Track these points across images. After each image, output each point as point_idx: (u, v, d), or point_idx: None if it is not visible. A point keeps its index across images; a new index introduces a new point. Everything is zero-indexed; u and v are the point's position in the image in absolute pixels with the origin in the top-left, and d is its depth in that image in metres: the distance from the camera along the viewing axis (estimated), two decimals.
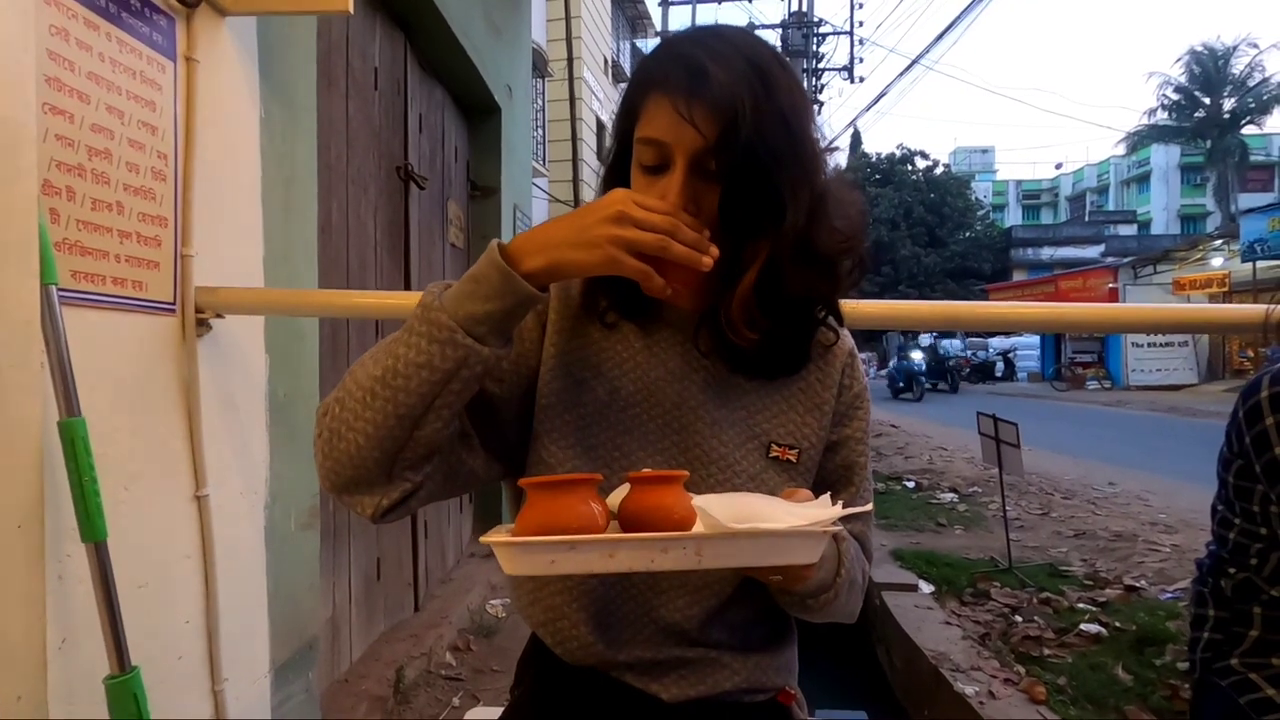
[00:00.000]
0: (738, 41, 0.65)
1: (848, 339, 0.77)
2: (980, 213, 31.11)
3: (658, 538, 0.53)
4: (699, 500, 0.56)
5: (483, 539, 0.55)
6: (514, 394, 0.71)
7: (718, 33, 0.67)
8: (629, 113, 0.68)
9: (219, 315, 1.34)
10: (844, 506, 0.74)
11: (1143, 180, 34.87)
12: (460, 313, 0.59)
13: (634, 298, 0.72)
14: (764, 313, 0.67)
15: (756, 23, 15.63)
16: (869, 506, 0.66)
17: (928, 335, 22.23)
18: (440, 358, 0.58)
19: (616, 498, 0.60)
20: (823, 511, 0.57)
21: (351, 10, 1.37)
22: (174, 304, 1.26)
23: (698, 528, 0.56)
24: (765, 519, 0.55)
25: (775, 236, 0.65)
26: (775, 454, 0.72)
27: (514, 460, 0.73)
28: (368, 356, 0.64)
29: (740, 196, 0.64)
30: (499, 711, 0.81)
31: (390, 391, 0.59)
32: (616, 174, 0.72)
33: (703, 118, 0.62)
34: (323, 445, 0.63)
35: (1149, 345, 16.91)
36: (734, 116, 0.61)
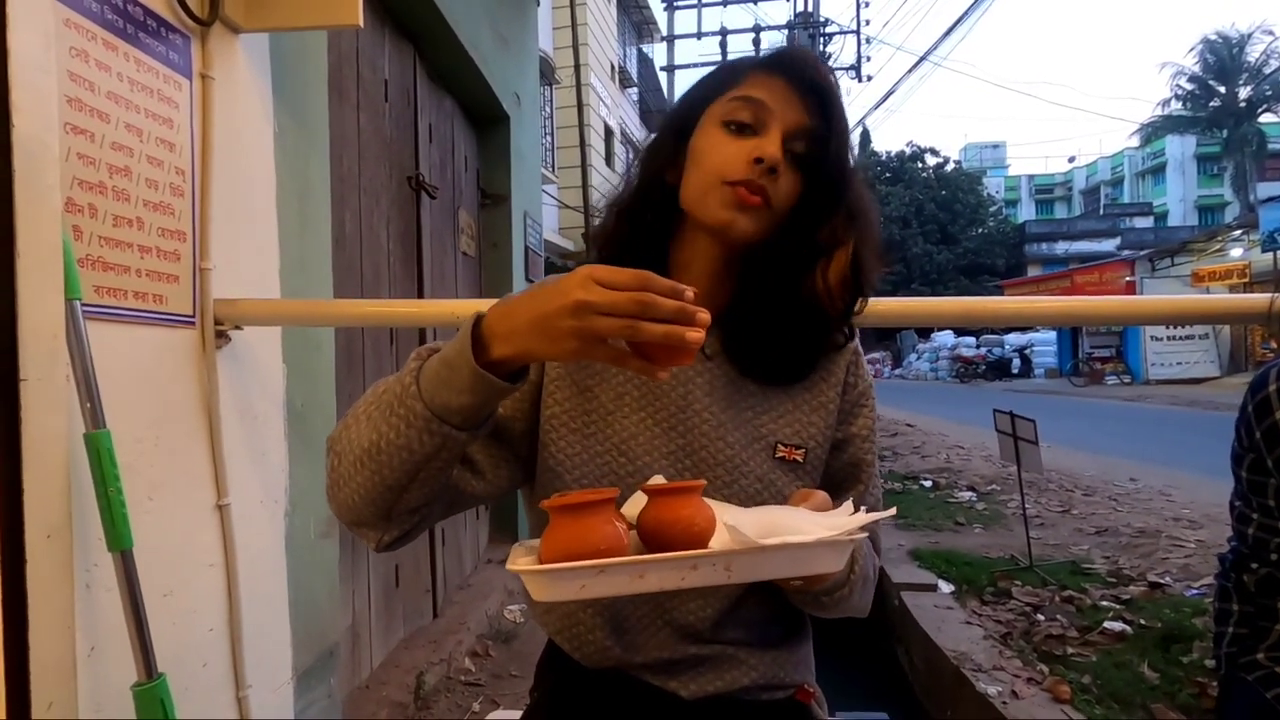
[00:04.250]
0: None
1: (854, 339, 0.79)
2: (993, 208, 30.88)
3: (687, 556, 0.53)
4: (729, 518, 0.55)
5: (510, 568, 0.54)
6: (520, 410, 0.73)
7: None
8: (719, 84, 0.72)
9: (237, 327, 1.36)
10: (853, 504, 0.74)
11: (1158, 172, 34.42)
12: (436, 402, 0.57)
13: None
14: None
15: (762, 24, 15.64)
16: (893, 510, 0.66)
17: (948, 334, 22.08)
18: (419, 443, 0.58)
19: (633, 507, 0.60)
20: (845, 520, 0.57)
21: (361, 24, 1.39)
22: (193, 316, 1.28)
23: (718, 537, 0.56)
24: (791, 531, 0.55)
25: (858, 227, 0.72)
26: (781, 454, 0.73)
27: (528, 472, 0.75)
28: (362, 410, 0.63)
29: (824, 185, 0.70)
30: (518, 715, 0.82)
31: (376, 465, 0.60)
32: (671, 147, 0.73)
33: (810, 102, 0.69)
34: (328, 487, 0.65)
35: (1168, 338, 16.67)
36: (839, 111, 0.70)
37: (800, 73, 0.70)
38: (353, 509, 0.63)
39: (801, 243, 0.71)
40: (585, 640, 0.73)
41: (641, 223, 0.75)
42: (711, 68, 0.78)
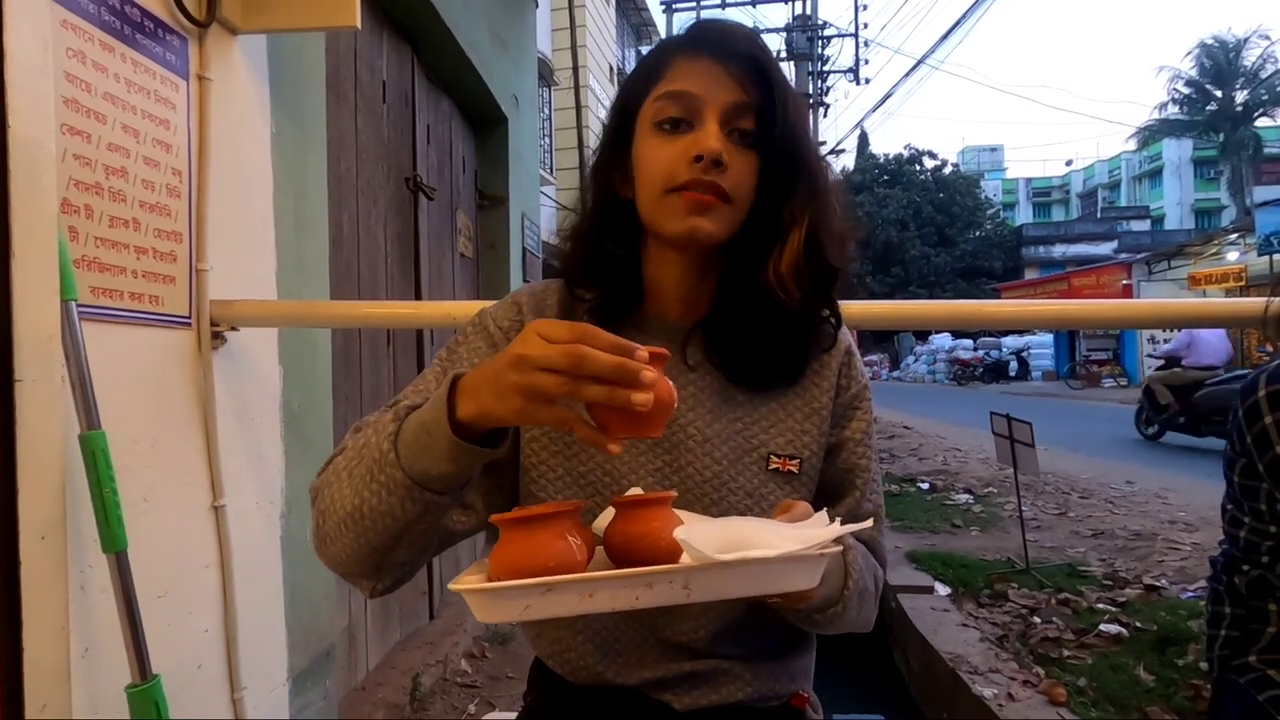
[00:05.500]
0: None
1: (845, 337, 0.75)
2: (990, 211, 30.93)
3: (641, 573, 0.49)
4: (682, 533, 0.50)
5: (452, 585, 0.51)
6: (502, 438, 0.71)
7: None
8: (644, 78, 0.67)
9: (233, 328, 1.36)
10: (847, 512, 0.71)
11: (1155, 175, 34.52)
12: (415, 469, 0.54)
13: (615, 306, 0.72)
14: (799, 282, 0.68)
15: (760, 27, 15.66)
16: (869, 523, 0.60)
17: (946, 337, 22.12)
18: (400, 510, 0.56)
19: (605, 520, 0.57)
20: (819, 532, 0.52)
21: (359, 26, 1.39)
22: (189, 317, 1.28)
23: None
24: (756, 545, 0.50)
25: (815, 205, 0.67)
26: (775, 465, 0.70)
27: (514, 498, 0.73)
28: (343, 467, 0.60)
29: (778, 160, 0.66)
30: (513, 716, 0.82)
31: (360, 529, 0.58)
32: (616, 151, 0.70)
33: (742, 75, 0.64)
34: (315, 542, 0.63)
35: (1165, 342, 16.72)
36: (779, 79, 0.65)
37: (725, 46, 0.64)
38: (341, 564, 0.62)
39: (769, 228, 0.67)
40: (577, 665, 0.71)
41: (604, 246, 0.71)
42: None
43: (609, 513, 0.57)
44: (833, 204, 0.69)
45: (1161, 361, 8.44)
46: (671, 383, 0.53)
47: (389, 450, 0.56)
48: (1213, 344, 8.26)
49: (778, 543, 0.50)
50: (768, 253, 0.67)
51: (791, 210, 0.67)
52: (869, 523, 0.58)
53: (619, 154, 0.69)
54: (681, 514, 0.59)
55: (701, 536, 0.49)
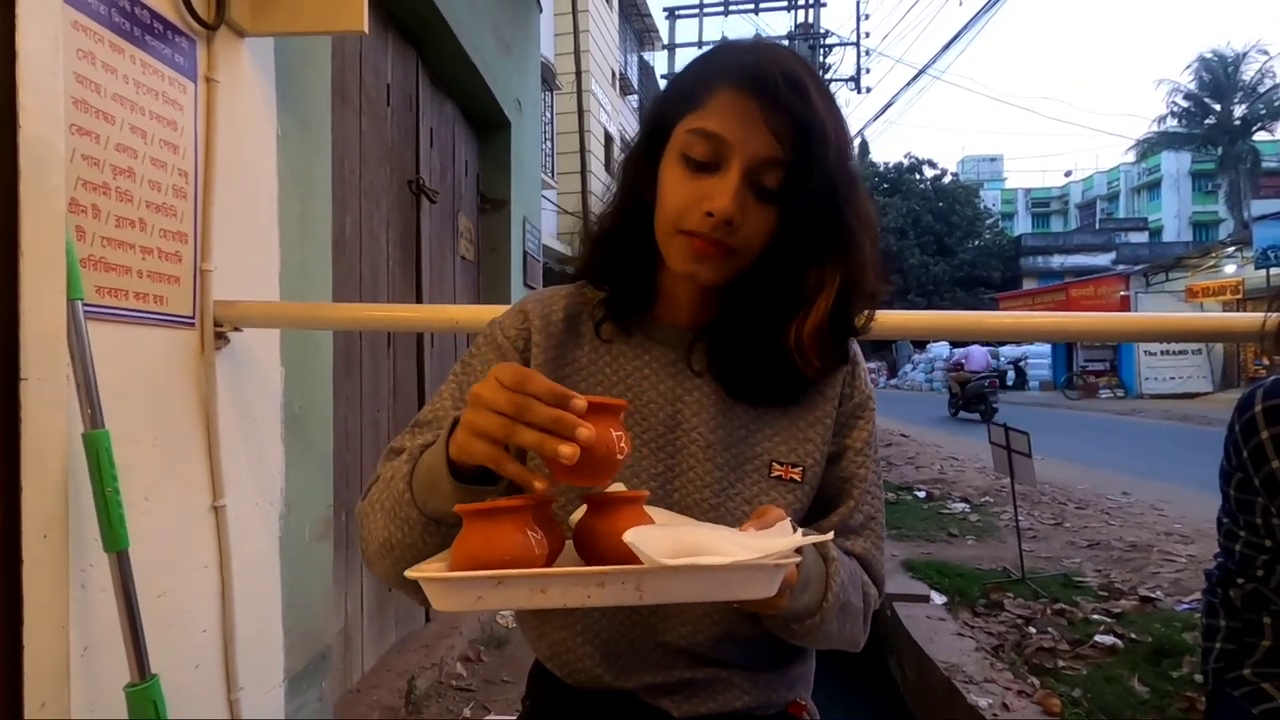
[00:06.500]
0: (812, 69, 0.65)
1: (851, 346, 0.74)
2: (989, 221, 31.01)
3: (592, 572, 0.50)
4: (632, 536, 0.49)
5: (408, 573, 0.51)
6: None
7: (793, 53, 0.66)
8: (685, 98, 0.65)
9: (236, 328, 1.37)
10: (840, 521, 0.71)
11: (1153, 187, 34.68)
12: (429, 508, 0.59)
13: (627, 305, 0.72)
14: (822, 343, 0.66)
15: (763, 34, 15.71)
16: (829, 535, 0.58)
17: (944, 345, 22.14)
18: (423, 542, 0.60)
19: (580, 515, 0.58)
20: (775, 541, 0.51)
21: (366, 30, 1.40)
22: (193, 318, 1.29)
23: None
24: (708, 552, 0.50)
25: (849, 266, 0.65)
26: (778, 473, 0.69)
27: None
28: (376, 498, 0.65)
29: (806, 222, 0.63)
30: None
31: (394, 558, 0.62)
32: (645, 164, 0.69)
33: (780, 128, 0.60)
34: (365, 561, 0.68)
35: (1162, 353, 16.76)
36: (819, 138, 0.61)
37: (770, 91, 0.60)
38: (388, 584, 0.66)
39: (785, 281, 0.66)
40: (575, 668, 0.71)
41: (624, 244, 0.71)
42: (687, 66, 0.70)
43: (584, 508, 0.58)
44: (869, 261, 0.66)
45: (955, 367, 14.13)
46: (622, 434, 0.54)
47: (404, 491, 0.61)
48: (979, 357, 14.01)
49: (732, 550, 0.50)
50: (789, 311, 0.66)
51: (821, 273, 0.65)
52: (829, 535, 0.58)
53: (650, 159, 0.68)
54: (653, 512, 0.59)
55: (652, 541, 0.49)
